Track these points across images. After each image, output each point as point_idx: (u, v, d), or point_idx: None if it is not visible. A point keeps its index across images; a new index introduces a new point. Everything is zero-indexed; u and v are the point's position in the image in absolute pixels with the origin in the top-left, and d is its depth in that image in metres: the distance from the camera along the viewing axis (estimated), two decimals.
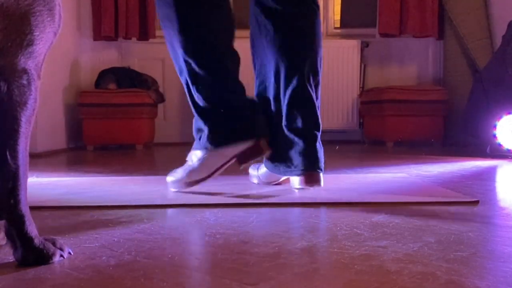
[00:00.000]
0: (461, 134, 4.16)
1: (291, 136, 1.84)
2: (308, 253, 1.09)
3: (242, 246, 1.15)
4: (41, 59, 1.04)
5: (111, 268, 0.99)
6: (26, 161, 1.02)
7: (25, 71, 1.00)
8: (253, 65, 2.01)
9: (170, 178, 1.89)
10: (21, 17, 0.99)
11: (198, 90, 1.84)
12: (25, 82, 1.00)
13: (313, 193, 1.82)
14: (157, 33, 4.79)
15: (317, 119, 1.88)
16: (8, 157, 0.99)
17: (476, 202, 1.66)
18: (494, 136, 3.32)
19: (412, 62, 5.05)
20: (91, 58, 4.91)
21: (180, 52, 1.84)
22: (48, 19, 1.03)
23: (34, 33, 1.01)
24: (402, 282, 0.89)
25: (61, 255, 1.05)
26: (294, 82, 1.84)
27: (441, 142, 4.48)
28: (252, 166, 2.08)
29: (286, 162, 1.85)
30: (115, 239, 1.21)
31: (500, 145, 3.29)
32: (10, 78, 0.99)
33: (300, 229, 1.32)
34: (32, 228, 1.03)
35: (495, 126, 3.32)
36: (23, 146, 1.01)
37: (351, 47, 4.84)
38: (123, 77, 4.55)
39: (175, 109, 4.92)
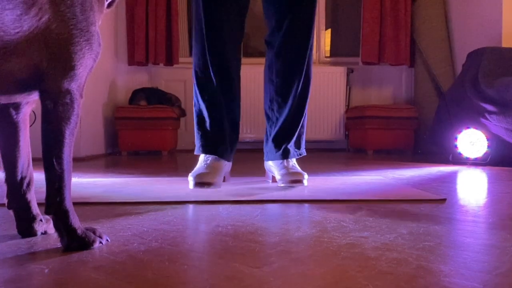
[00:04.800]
0: (428, 145, 4.15)
1: None
2: (303, 242, 1.09)
3: (249, 236, 1.15)
4: (82, 81, 1.04)
5: (141, 253, 0.99)
6: (70, 166, 1.02)
7: (68, 91, 1.00)
8: None
9: None
10: (61, 47, 0.99)
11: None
12: (68, 101, 1.00)
13: (307, 192, 1.82)
14: (180, 59, 4.81)
15: None
16: (55, 163, 0.99)
17: (444, 200, 1.65)
18: (455, 146, 3.32)
19: (389, 85, 5.05)
20: (125, 80, 4.92)
21: None
22: (87, 48, 1.02)
23: (74, 61, 1.01)
24: (380, 266, 0.89)
25: (100, 242, 1.05)
26: None
27: (412, 151, 4.47)
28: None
29: None
30: (145, 229, 1.21)
31: (460, 154, 3.30)
32: (56, 98, 0.99)
33: (296, 222, 1.31)
34: (75, 221, 1.03)
35: (456, 138, 3.32)
36: (67, 154, 1.01)
37: (339, 72, 4.84)
38: (152, 96, 4.56)
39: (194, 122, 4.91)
